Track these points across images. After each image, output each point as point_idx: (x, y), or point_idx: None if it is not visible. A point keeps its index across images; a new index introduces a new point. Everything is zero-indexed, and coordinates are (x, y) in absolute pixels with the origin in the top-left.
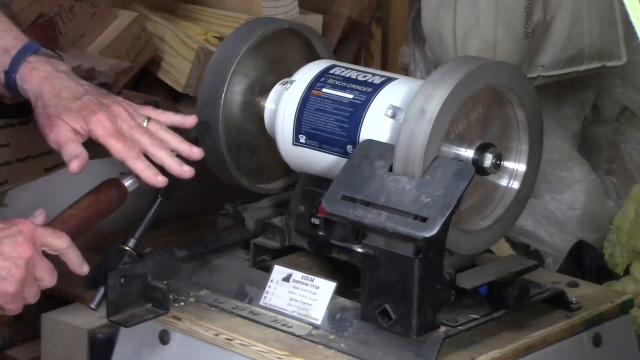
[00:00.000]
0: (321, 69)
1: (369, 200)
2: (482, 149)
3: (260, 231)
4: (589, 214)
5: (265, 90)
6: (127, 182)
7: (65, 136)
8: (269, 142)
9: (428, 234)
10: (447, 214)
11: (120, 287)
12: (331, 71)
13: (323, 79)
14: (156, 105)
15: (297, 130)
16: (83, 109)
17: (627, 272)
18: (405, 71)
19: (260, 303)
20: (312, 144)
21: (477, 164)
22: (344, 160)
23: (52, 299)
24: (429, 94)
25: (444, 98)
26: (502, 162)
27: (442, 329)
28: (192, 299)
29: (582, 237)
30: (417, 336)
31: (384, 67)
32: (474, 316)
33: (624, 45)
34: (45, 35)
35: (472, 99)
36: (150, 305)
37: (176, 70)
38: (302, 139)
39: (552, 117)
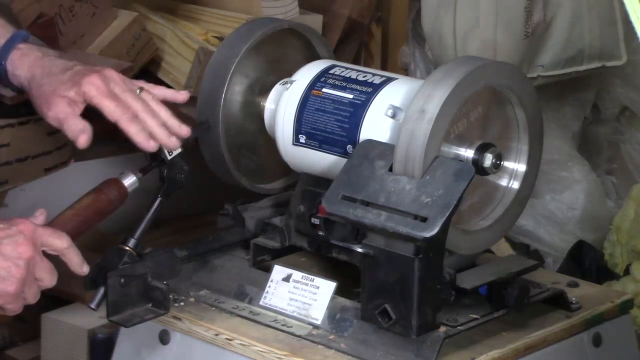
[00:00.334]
0: (321, 69)
1: (369, 200)
2: (482, 149)
3: (260, 231)
4: (589, 214)
5: (265, 90)
6: (127, 182)
7: (63, 112)
8: (269, 142)
9: (428, 234)
10: (447, 214)
11: (120, 287)
12: (331, 71)
13: (323, 79)
14: None
15: (297, 130)
16: (75, 75)
17: (627, 272)
18: (405, 71)
19: (260, 303)
20: (312, 144)
21: (477, 164)
22: (344, 160)
23: (52, 299)
24: (429, 94)
25: (444, 98)
26: (502, 162)
27: (442, 329)
28: (192, 299)
29: (582, 237)
30: (417, 336)
31: (384, 67)
32: (474, 316)
33: (624, 45)
34: (45, 35)
35: (472, 99)
36: (150, 305)
37: (176, 70)
38: (302, 139)
39: (552, 117)
